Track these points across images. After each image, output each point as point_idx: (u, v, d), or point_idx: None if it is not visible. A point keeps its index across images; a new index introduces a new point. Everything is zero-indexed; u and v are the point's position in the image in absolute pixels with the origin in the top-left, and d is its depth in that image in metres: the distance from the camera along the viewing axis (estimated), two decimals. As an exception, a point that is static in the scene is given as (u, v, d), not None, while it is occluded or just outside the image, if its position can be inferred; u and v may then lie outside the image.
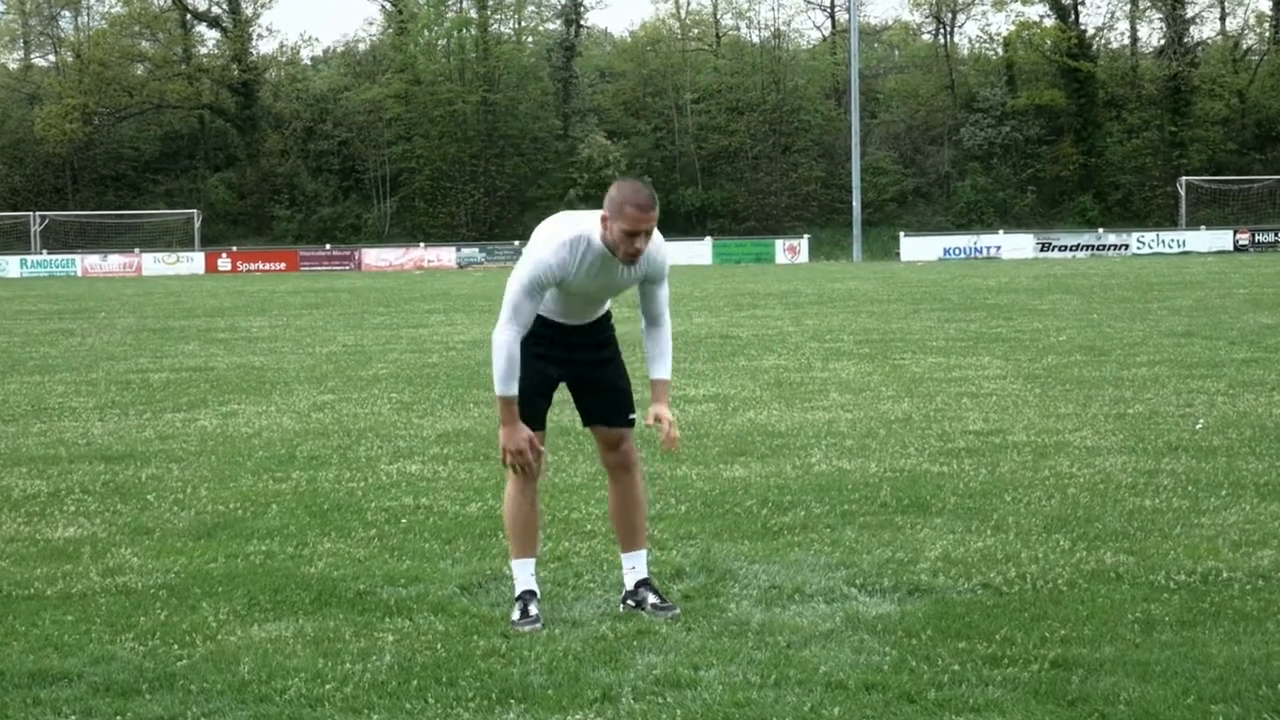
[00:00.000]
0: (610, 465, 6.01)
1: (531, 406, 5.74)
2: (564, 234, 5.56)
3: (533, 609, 5.71)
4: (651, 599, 5.83)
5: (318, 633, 5.61)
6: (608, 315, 5.99)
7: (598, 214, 5.57)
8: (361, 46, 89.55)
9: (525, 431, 5.65)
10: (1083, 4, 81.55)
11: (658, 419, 5.79)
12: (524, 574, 5.84)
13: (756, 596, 6.03)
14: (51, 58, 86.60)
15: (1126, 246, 64.91)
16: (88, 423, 12.03)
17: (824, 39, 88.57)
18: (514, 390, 5.60)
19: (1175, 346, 16.95)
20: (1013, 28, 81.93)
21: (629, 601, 5.87)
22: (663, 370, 5.89)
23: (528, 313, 5.57)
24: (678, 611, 5.75)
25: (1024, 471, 8.77)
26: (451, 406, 12.65)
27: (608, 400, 5.93)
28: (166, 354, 19.07)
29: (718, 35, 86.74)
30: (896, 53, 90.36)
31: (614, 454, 5.97)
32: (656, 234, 5.67)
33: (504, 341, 5.58)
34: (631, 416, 5.96)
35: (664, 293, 5.88)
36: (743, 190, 78.74)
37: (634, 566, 5.94)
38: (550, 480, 8.76)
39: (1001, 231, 68.19)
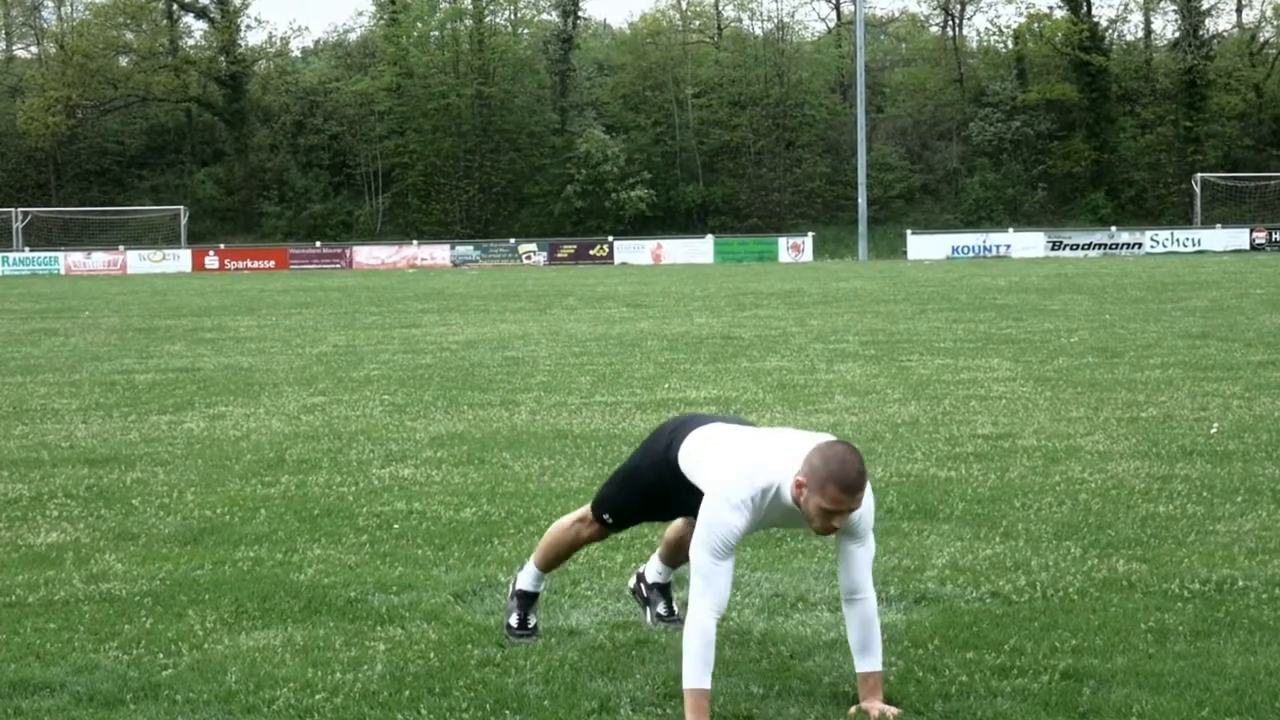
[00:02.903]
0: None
1: (631, 512, 5.50)
2: (753, 486, 4.72)
3: (531, 619, 5.70)
4: (661, 607, 5.82)
5: (307, 641, 5.61)
6: None
7: (789, 460, 4.73)
8: (352, 37, 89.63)
9: None
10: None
11: (866, 714, 4.78)
12: (531, 576, 5.78)
13: (759, 605, 6.03)
14: (34, 49, 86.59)
15: (1140, 245, 64.92)
16: (71, 425, 12.03)
17: (829, 31, 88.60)
18: (707, 682, 4.65)
19: (1190, 348, 16.96)
20: (1023, 20, 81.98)
21: (641, 591, 5.85)
22: (872, 660, 4.85)
23: (724, 584, 4.74)
24: (681, 623, 5.73)
25: (1034, 477, 8.78)
26: (445, 409, 12.65)
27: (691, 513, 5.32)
28: (152, 354, 19.07)
29: (719, 27, 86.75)
30: (903, 45, 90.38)
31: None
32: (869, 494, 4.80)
33: (699, 626, 4.66)
34: None
35: (866, 554, 4.87)
36: (745, 187, 78.75)
37: (662, 571, 5.91)
38: (547, 484, 8.76)
39: (1011, 229, 68.20)
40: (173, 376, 16.01)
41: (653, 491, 5.31)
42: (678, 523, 5.69)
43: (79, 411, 12.94)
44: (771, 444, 4.86)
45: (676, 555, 5.80)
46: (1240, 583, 6.23)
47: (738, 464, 4.79)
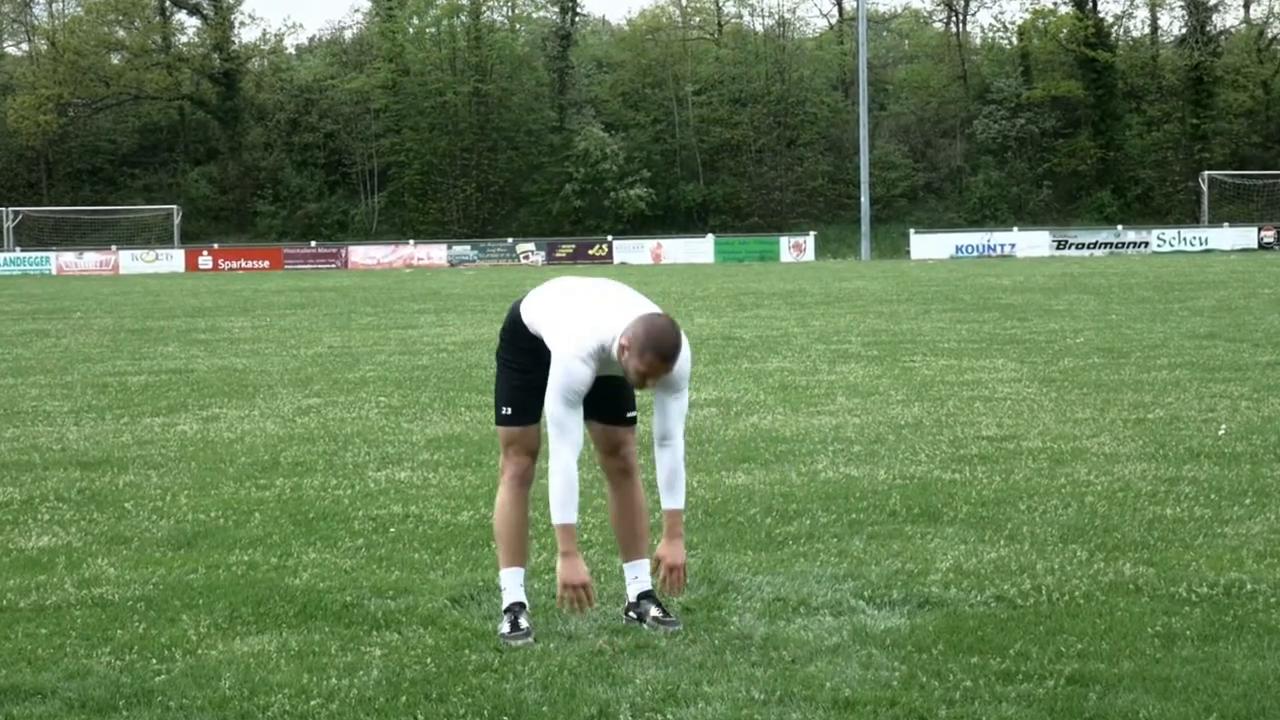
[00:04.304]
0: (610, 470, 6.01)
1: (529, 391, 5.77)
2: (589, 344, 5.49)
3: (523, 621, 5.72)
4: (654, 611, 5.83)
5: (302, 646, 5.61)
6: None
7: (619, 321, 5.50)
8: (348, 34, 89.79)
9: (585, 569, 5.58)
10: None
11: (659, 561, 5.66)
12: (514, 584, 5.84)
13: (760, 609, 6.03)
14: (25, 46, 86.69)
15: (1146, 244, 64.96)
16: (63, 427, 12.03)
17: (830, 27, 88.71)
18: (573, 518, 5.55)
19: (1197, 349, 16.96)
20: (1028, 16, 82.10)
21: (631, 614, 5.87)
22: (676, 499, 5.69)
23: (575, 427, 5.54)
24: (680, 626, 5.75)
25: (1039, 479, 8.78)
26: (442, 411, 12.66)
27: (607, 395, 5.81)
28: (145, 356, 19.07)
29: (719, 23, 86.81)
30: (906, 42, 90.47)
31: (614, 458, 5.97)
32: (685, 342, 5.58)
33: (561, 466, 5.51)
34: (631, 414, 5.96)
35: (679, 406, 5.68)
36: (746, 185, 78.79)
37: (637, 576, 5.94)
38: (544, 488, 8.75)
39: (1016, 228, 68.23)
40: (166, 378, 16.01)
41: (522, 363, 5.84)
42: (613, 508, 6.05)
43: (71, 414, 12.94)
44: (603, 303, 5.65)
45: (629, 540, 5.99)
46: (1248, 586, 6.23)
47: (580, 322, 5.55)
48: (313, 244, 69.92)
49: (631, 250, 65.85)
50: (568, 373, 5.47)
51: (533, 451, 5.93)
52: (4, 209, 73.01)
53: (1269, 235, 64.99)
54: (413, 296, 35.21)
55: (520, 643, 5.59)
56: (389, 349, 19.42)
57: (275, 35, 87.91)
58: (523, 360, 5.83)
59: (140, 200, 77.30)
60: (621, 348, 5.43)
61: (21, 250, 69.23)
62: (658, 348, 5.37)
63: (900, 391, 13.37)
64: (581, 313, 5.61)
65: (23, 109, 76.64)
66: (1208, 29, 79.71)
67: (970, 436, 10.51)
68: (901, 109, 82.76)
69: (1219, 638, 5.52)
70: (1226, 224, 67.42)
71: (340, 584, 6.54)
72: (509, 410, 5.89)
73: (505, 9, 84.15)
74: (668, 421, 5.66)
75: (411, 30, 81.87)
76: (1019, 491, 8.38)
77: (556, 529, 5.56)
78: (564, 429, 5.50)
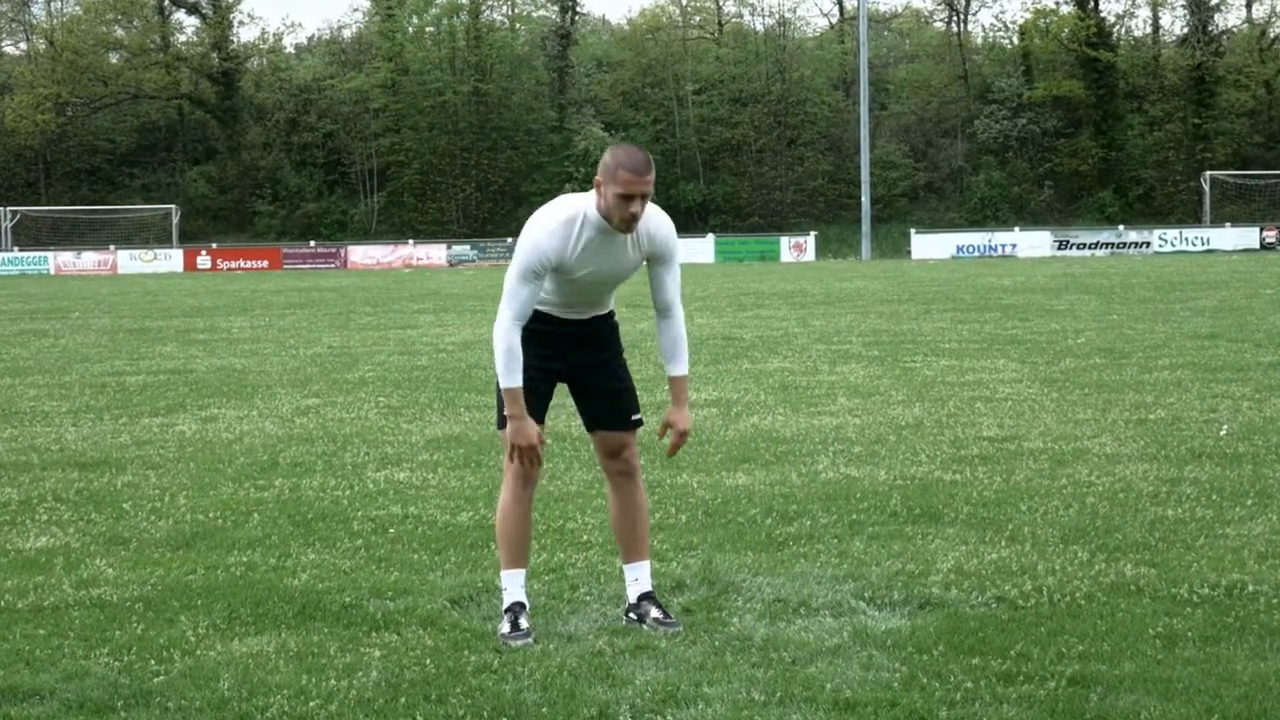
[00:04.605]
0: (611, 472, 6.01)
1: (529, 403, 5.75)
2: (560, 214, 5.62)
3: (523, 622, 5.72)
4: (654, 613, 5.83)
5: (301, 648, 5.62)
6: (610, 314, 5.99)
7: (593, 193, 5.64)
8: (347, 33, 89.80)
9: (534, 427, 5.69)
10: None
11: (670, 426, 5.90)
12: (514, 585, 5.84)
13: (760, 610, 6.03)
14: (23, 45, 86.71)
15: (1148, 244, 64.96)
16: (61, 428, 12.03)
17: (831, 26, 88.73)
18: (519, 381, 5.65)
19: (1199, 349, 16.97)
20: (1029, 15, 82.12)
21: (631, 615, 5.87)
22: (679, 366, 5.93)
23: (525, 300, 5.61)
24: (680, 627, 5.75)
25: (1040, 480, 8.78)
26: (441, 411, 12.66)
27: (609, 403, 5.93)
28: (143, 356, 19.07)
29: (720, 23, 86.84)
30: (907, 41, 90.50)
31: (615, 460, 5.97)
32: (660, 213, 5.77)
33: (502, 332, 5.63)
34: (636, 417, 5.98)
35: (673, 277, 5.87)
36: (746, 185, 78.81)
37: (637, 578, 5.94)
38: (544, 488, 8.76)
39: (1017, 229, 68.24)
40: (164, 378, 16.01)
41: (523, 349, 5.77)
42: (614, 509, 6.03)
43: (69, 414, 12.94)
44: (571, 198, 5.74)
45: (630, 542, 5.98)
46: (1250, 587, 6.23)
47: (548, 210, 5.68)
48: (312, 244, 69.94)
49: (631, 250, 65.76)
50: (532, 247, 5.57)
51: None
52: (2, 209, 73.03)
53: (1271, 235, 65.00)
54: (412, 296, 35.21)
55: (520, 644, 5.59)
56: (388, 349, 19.42)
57: (274, 34, 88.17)
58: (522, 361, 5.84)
59: (138, 200, 77.32)
60: (597, 185, 5.56)
61: (19, 250, 69.24)
62: (628, 164, 5.47)
63: (901, 392, 13.38)
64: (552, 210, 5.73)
65: (21, 108, 76.67)
66: (1209, 29, 79.74)
67: (971, 437, 10.51)
68: (902, 108, 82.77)
69: (1221, 639, 5.52)
70: (1228, 224, 67.43)
71: (339, 585, 6.54)
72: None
73: (505, 8, 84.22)
74: (666, 293, 5.84)
75: (411, 29, 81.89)
76: (1020, 492, 8.38)
77: (505, 392, 5.66)
78: (514, 296, 5.61)
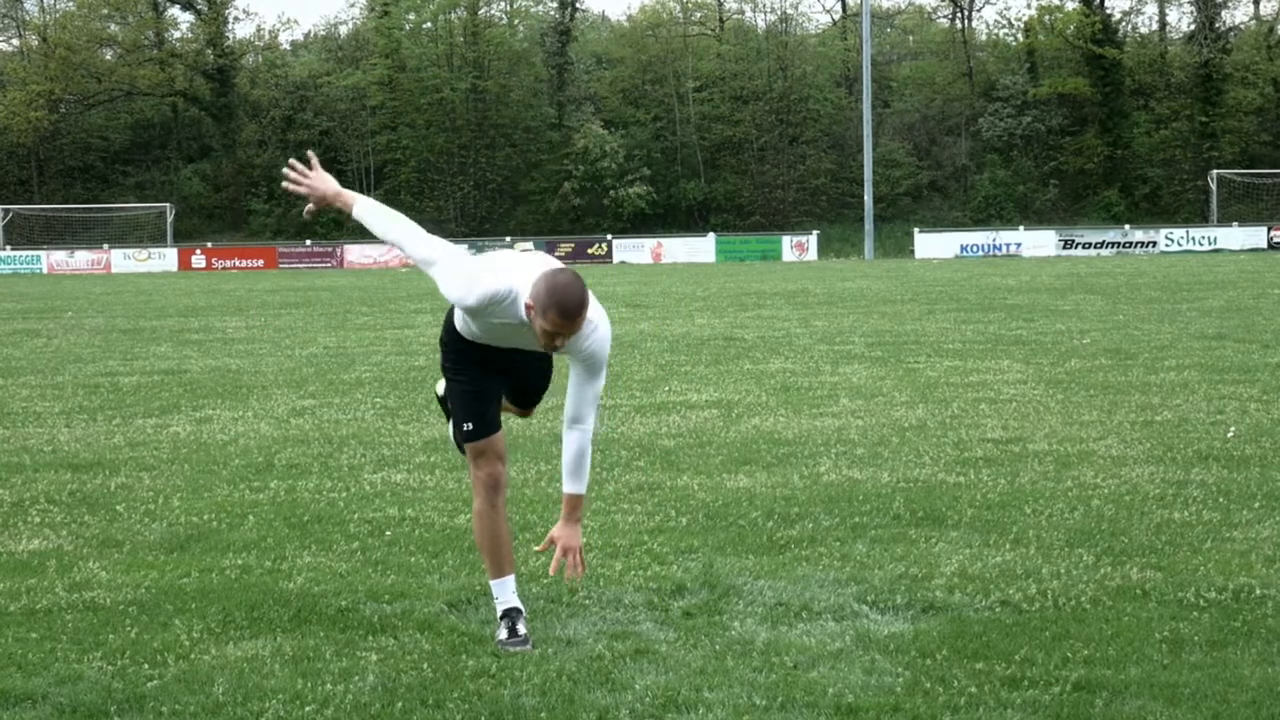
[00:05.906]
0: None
1: (484, 400, 5.80)
2: (499, 283, 5.45)
3: (520, 628, 5.71)
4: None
5: (297, 652, 5.62)
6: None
7: (529, 278, 5.42)
8: (343, 30, 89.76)
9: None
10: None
11: (553, 541, 5.67)
12: (505, 593, 5.82)
13: (762, 614, 6.03)
14: (15, 42, 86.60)
15: (1154, 244, 64.95)
16: (53, 429, 12.03)
17: (834, 23, 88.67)
18: (374, 202, 5.77)
19: (1206, 350, 16.96)
20: (1033, 12, 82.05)
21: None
22: (578, 485, 5.67)
23: (437, 244, 5.59)
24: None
25: (1045, 482, 8.78)
26: (439, 412, 12.65)
27: (526, 389, 6.08)
28: (137, 356, 19.07)
29: (721, 19, 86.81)
30: (911, 38, 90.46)
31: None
32: (600, 316, 5.52)
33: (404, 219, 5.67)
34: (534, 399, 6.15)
35: (594, 387, 5.60)
36: (748, 183, 78.79)
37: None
38: (542, 490, 8.76)
39: (1022, 228, 68.24)
40: (158, 379, 16.02)
41: (469, 372, 5.82)
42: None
43: (62, 415, 12.94)
44: (519, 264, 5.56)
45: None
46: (1258, 591, 6.23)
47: (492, 264, 5.57)
48: (308, 243, 69.92)
49: (631, 249, 65.83)
50: (469, 273, 5.46)
51: (502, 456, 5.89)
52: (-6, 207, 73.02)
53: (1278, 235, 64.98)
54: (409, 296, 35.22)
55: (518, 648, 5.59)
56: (385, 349, 19.42)
57: (270, 31, 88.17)
58: (468, 369, 5.85)
59: (132, 198, 77.31)
60: (528, 307, 5.37)
61: (12, 249, 69.23)
62: (560, 306, 5.27)
63: (904, 393, 13.38)
64: (500, 261, 5.62)
65: (13, 105, 76.63)
66: (1216, 25, 79.68)
67: (975, 439, 10.51)
68: (906, 106, 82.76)
69: (1227, 643, 5.52)
70: (1235, 223, 67.41)
71: (335, 588, 6.54)
72: (470, 425, 5.83)
73: (503, 4, 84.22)
74: (581, 405, 5.60)
75: (408, 26, 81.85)
76: (1024, 495, 8.38)
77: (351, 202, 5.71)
78: (435, 242, 5.61)
